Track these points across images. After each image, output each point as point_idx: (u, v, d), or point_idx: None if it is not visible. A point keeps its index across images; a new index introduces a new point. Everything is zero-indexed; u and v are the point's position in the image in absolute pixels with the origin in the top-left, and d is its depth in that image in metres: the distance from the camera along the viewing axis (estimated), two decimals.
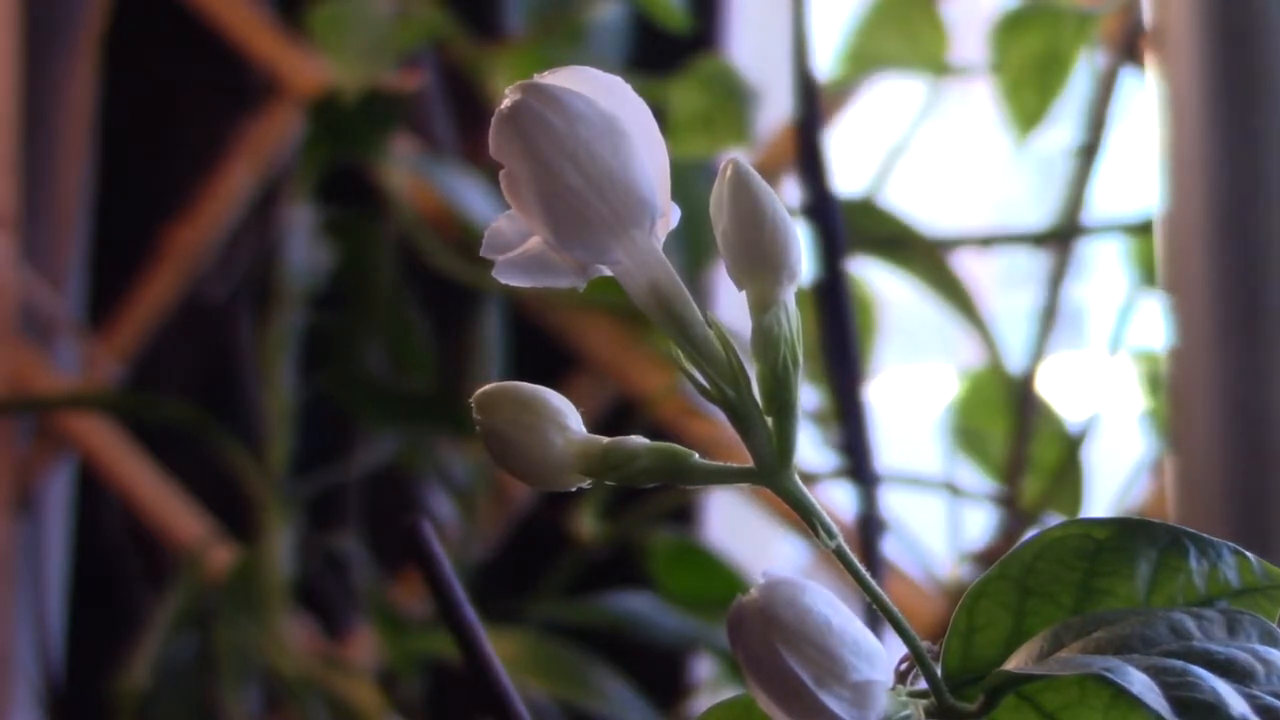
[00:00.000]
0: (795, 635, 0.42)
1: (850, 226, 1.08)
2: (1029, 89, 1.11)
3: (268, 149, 1.57)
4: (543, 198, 0.44)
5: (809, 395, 1.25)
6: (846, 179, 1.15)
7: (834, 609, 0.42)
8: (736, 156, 0.45)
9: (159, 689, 1.44)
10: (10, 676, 1.59)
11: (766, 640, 0.42)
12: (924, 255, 1.19)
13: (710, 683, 1.44)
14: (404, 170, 1.46)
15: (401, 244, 1.47)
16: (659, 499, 1.37)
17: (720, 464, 0.45)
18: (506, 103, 0.44)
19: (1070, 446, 1.17)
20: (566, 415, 0.45)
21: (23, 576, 1.59)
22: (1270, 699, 0.41)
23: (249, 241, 1.59)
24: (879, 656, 0.43)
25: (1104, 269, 1.52)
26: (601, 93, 0.44)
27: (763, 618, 0.42)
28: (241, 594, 1.42)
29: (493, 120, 0.44)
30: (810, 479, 1.19)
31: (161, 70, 1.65)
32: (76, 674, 1.61)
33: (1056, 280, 1.18)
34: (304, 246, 1.47)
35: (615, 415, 1.43)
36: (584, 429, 0.45)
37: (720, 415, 0.45)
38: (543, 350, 1.49)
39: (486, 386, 0.45)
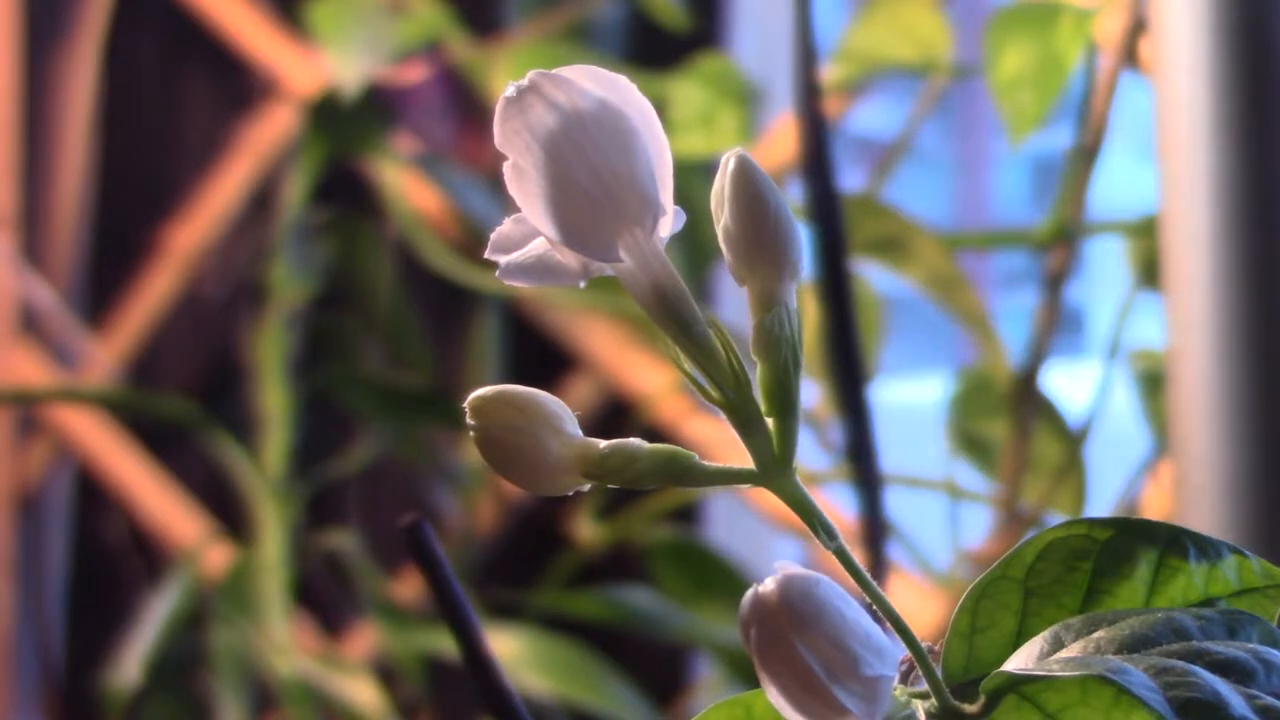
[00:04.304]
0: (810, 628, 0.41)
1: (851, 225, 1.08)
2: (1027, 89, 1.11)
3: (267, 149, 1.57)
4: (548, 193, 0.43)
5: (809, 393, 1.25)
6: (847, 177, 1.15)
7: (847, 603, 0.42)
8: (739, 150, 0.45)
9: (153, 687, 1.44)
10: (11, 674, 1.59)
11: (781, 632, 0.41)
12: (924, 255, 1.18)
13: (710, 681, 1.44)
14: (403, 170, 1.46)
15: (400, 244, 1.47)
16: (659, 499, 1.37)
17: (721, 466, 0.45)
18: (514, 93, 0.43)
19: (1070, 446, 1.17)
20: (563, 419, 0.44)
21: (23, 576, 1.59)
22: (1270, 699, 0.41)
23: (249, 241, 1.59)
24: (889, 652, 0.42)
25: (1104, 269, 1.52)
26: (608, 91, 0.44)
27: (778, 609, 0.41)
28: (239, 592, 1.42)
29: (499, 108, 0.43)
30: (811, 479, 1.19)
31: (161, 70, 1.65)
32: (76, 672, 1.61)
33: (1056, 280, 1.18)
34: (303, 246, 1.47)
35: (613, 416, 1.43)
36: (580, 432, 0.45)
37: (721, 415, 0.45)
38: (541, 350, 1.48)
39: (480, 391, 0.44)
